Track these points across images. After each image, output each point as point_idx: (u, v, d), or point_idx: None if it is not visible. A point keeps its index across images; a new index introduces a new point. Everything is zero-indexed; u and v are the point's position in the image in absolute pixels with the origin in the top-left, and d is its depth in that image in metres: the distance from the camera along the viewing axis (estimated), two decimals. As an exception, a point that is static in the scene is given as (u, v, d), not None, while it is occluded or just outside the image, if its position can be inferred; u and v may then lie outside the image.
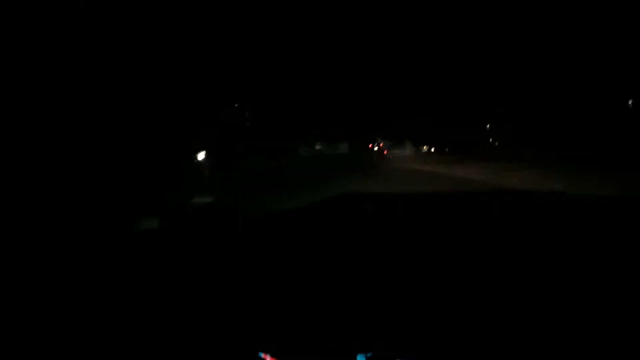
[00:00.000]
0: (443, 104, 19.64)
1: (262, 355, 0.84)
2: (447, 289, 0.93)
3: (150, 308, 0.98)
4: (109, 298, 1.01)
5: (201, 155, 8.80)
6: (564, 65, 13.63)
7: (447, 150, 21.26)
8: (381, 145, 25.32)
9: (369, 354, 0.81)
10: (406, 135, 22.89)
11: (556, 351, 0.79)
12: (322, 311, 0.90)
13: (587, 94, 13.63)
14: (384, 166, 17.06)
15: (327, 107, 21.45)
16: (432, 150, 23.11)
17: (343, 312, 0.89)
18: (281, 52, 14.56)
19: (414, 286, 0.94)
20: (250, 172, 11.85)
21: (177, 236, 1.54)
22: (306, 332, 0.88)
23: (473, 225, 1.28)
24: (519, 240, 1.13)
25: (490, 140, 21.73)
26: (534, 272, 0.95)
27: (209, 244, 1.30)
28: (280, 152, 19.88)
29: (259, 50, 13.38)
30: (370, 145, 25.47)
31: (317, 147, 25.88)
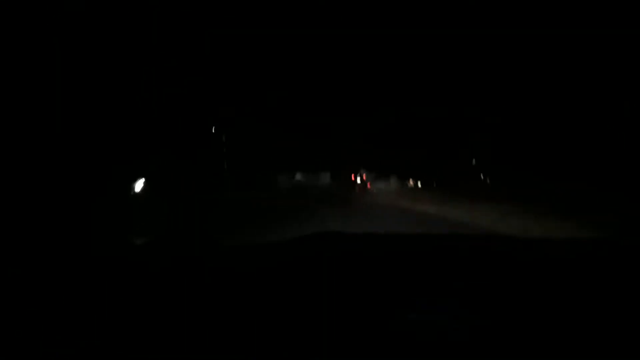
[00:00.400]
0: (430, 136, 18.71)
1: None
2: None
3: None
4: (107, 300, 1.03)
5: (139, 185, 7.05)
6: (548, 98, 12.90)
7: (435, 185, 19.90)
8: (364, 177, 24.01)
9: None
10: (391, 169, 21.61)
11: None
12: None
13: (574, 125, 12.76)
14: (368, 201, 15.64)
15: (309, 136, 20.20)
16: (419, 185, 21.69)
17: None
18: (265, 72, 13.78)
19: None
20: (212, 206, 10.11)
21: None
22: None
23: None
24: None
25: (481, 176, 20.45)
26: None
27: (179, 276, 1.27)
28: (257, 183, 18.17)
29: (240, 67, 12.56)
30: (352, 177, 24.13)
31: (298, 177, 24.53)
